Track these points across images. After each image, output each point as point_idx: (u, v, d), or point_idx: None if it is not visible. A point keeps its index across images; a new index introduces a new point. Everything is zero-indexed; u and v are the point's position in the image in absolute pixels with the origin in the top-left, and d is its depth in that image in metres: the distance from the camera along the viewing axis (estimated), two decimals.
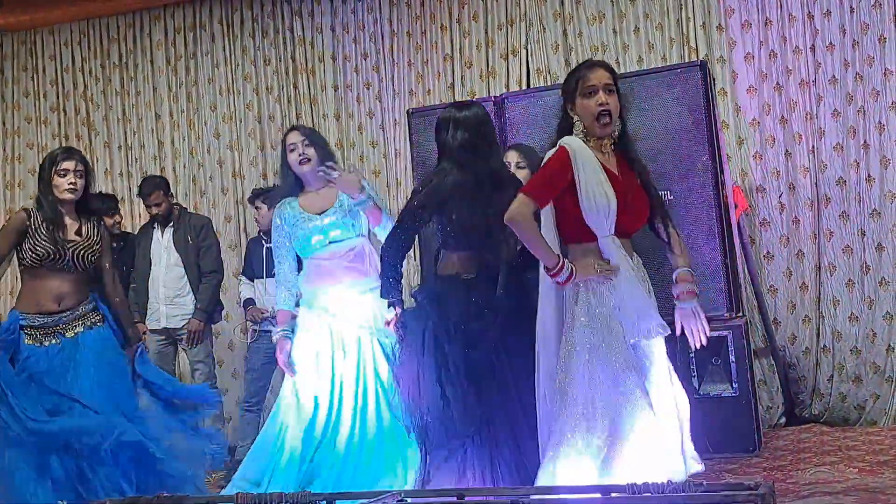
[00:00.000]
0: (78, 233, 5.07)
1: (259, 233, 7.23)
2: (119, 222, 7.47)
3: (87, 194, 5.16)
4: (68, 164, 5.07)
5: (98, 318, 5.05)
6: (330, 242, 5.00)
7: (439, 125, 4.46)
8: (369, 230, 5.10)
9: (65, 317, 5.00)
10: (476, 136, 4.37)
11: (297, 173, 5.11)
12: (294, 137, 5.10)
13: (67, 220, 5.08)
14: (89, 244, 5.05)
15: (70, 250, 4.99)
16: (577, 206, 3.86)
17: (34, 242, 4.96)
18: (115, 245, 6.67)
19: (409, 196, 4.55)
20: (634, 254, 4.02)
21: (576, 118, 3.97)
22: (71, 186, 5.05)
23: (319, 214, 5.02)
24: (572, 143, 3.91)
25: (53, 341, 4.95)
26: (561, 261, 3.83)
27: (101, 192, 8.02)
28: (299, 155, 5.05)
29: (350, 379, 4.91)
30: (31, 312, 4.96)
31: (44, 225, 5.00)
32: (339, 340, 4.96)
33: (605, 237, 3.86)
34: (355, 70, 8.43)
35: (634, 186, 3.97)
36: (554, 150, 3.96)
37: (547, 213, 4.00)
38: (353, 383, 4.91)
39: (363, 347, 4.95)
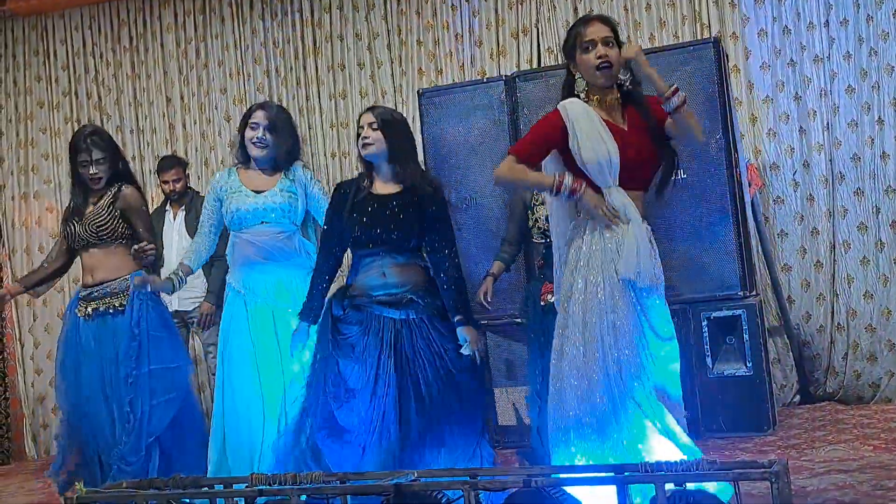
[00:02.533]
0: (95, 203, 5.12)
1: None
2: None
3: (117, 172, 5.18)
4: (85, 157, 5.12)
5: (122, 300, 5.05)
6: (261, 223, 4.95)
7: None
8: (304, 221, 5.07)
9: (96, 291, 5.09)
10: None
11: (248, 152, 5.03)
12: (259, 117, 4.99)
13: (91, 198, 5.15)
14: (96, 215, 5.06)
15: (78, 226, 5.07)
16: (575, 163, 3.89)
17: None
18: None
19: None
20: (644, 220, 3.98)
21: (578, 75, 3.99)
22: (94, 175, 5.11)
23: (256, 193, 4.96)
24: (566, 103, 3.93)
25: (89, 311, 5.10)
26: (557, 176, 3.87)
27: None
28: (258, 137, 4.96)
29: (271, 357, 4.88)
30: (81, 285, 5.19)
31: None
32: (258, 319, 4.90)
33: (609, 188, 3.86)
34: (367, 49, 8.41)
35: (640, 145, 3.95)
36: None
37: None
38: (273, 361, 4.87)
39: (280, 325, 4.88)
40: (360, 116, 4.52)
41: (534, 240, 5.36)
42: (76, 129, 8.82)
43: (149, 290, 4.91)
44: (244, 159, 5.08)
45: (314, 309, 4.51)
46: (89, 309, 5.09)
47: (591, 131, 3.85)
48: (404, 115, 8.05)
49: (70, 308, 5.25)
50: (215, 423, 4.99)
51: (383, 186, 4.45)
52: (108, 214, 5.06)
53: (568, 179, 3.85)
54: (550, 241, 5.04)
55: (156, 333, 5.02)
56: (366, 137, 4.40)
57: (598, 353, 3.77)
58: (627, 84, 4.00)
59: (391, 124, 4.44)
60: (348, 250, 4.56)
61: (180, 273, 5.01)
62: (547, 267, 5.12)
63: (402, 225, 4.34)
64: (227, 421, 4.92)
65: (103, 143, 5.19)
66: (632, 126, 3.96)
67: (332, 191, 4.66)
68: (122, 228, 5.08)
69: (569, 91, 4.02)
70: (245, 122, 5.05)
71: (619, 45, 3.96)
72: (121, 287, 5.05)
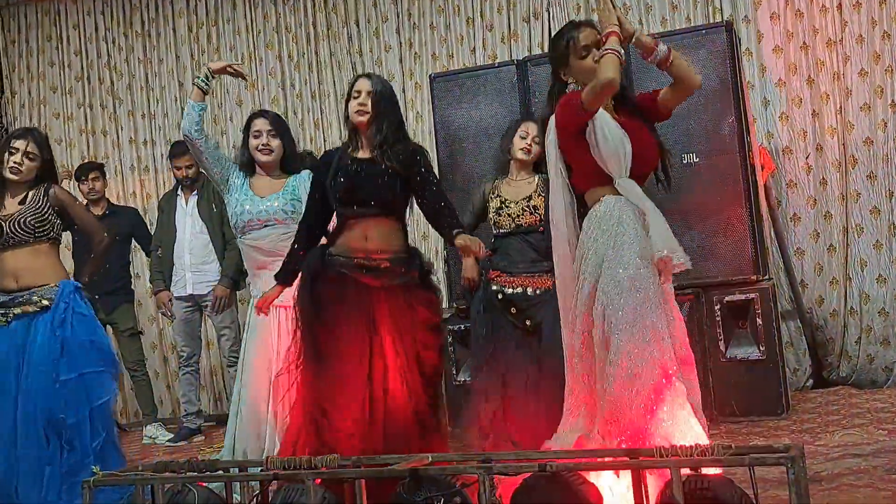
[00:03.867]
0: (21, 203, 4.94)
1: None
2: (96, 189, 7.44)
3: (45, 170, 5.04)
4: (18, 144, 4.99)
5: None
6: (265, 227, 4.99)
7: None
8: None
9: (20, 297, 4.91)
10: None
11: (255, 160, 5.07)
12: (260, 125, 5.06)
13: (8, 198, 4.97)
14: (26, 211, 4.90)
15: (8, 222, 4.89)
16: (588, 153, 3.89)
17: None
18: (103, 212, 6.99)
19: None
20: None
21: (571, 81, 4.03)
22: (14, 166, 4.95)
23: (262, 198, 5.00)
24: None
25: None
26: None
27: (87, 160, 8.09)
28: (263, 144, 5.02)
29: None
30: None
31: None
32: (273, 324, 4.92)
33: (621, 178, 3.87)
34: (376, 34, 8.40)
35: (643, 137, 3.97)
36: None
37: (557, 175, 4.05)
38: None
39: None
40: (357, 81, 4.51)
41: (494, 230, 5.42)
42: (88, 113, 8.91)
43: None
44: (250, 168, 5.11)
45: (289, 273, 4.52)
46: (10, 315, 4.91)
47: (609, 121, 3.88)
48: (417, 99, 8.15)
49: None
50: (233, 410, 5.04)
51: (367, 151, 4.45)
52: (44, 211, 4.92)
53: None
54: (503, 231, 5.29)
55: (84, 339, 4.89)
56: (363, 104, 4.40)
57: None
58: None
59: (385, 94, 4.45)
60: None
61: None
62: (500, 256, 5.31)
63: (383, 187, 4.35)
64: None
65: (42, 141, 5.09)
66: (628, 124, 3.98)
67: (319, 158, 4.76)
68: (56, 224, 4.98)
69: (559, 98, 4.05)
70: (247, 132, 5.11)
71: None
72: (48, 295, 4.89)
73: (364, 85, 4.44)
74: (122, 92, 9.05)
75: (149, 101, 8.99)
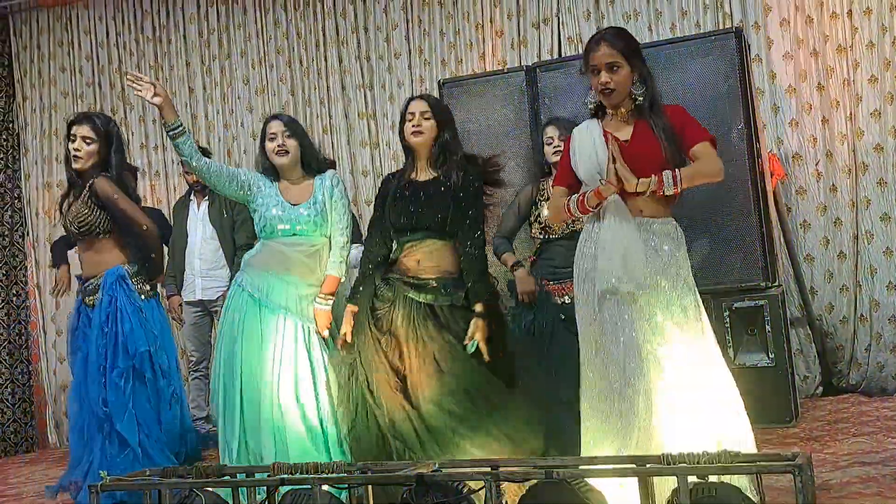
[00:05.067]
0: (77, 198, 5.12)
1: None
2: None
3: (104, 157, 5.17)
4: (75, 130, 5.12)
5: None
6: (293, 234, 4.98)
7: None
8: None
9: (89, 285, 5.17)
10: None
11: (274, 163, 5.08)
12: (275, 127, 5.06)
13: (73, 192, 5.17)
14: (75, 211, 5.07)
15: (66, 220, 5.12)
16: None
17: None
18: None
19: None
20: (654, 218, 4.04)
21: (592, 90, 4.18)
22: (75, 153, 5.10)
23: (294, 205, 4.99)
24: (578, 129, 4.20)
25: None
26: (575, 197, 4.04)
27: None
28: (278, 145, 5.02)
29: (288, 363, 4.90)
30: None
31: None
32: (271, 324, 4.93)
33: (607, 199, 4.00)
34: (386, 40, 8.41)
35: (648, 153, 3.99)
36: None
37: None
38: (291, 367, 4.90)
39: (297, 333, 4.93)
40: (410, 103, 4.69)
41: (532, 235, 5.42)
42: None
43: None
44: (274, 174, 5.12)
45: (359, 293, 4.70)
46: (88, 300, 5.20)
47: (586, 148, 4.06)
48: None
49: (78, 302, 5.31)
50: (228, 416, 4.96)
51: (424, 173, 4.67)
52: (88, 210, 5.05)
53: (574, 200, 4.05)
54: (550, 237, 5.31)
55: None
56: (417, 126, 4.57)
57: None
58: (639, 98, 4.07)
59: (441, 114, 4.65)
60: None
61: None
62: (542, 262, 5.31)
63: (436, 209, 4.52)
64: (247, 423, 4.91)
65: (100, 123, 5.21)
66: (637, 139, 4.03)
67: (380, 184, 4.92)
68: (101, 222, 5.09)
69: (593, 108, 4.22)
70: (263, 136, 5.13)
71: (631, 58, 4.05)
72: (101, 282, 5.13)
73: (418, 106, 4.63)
74: (132, 97, 9.07)
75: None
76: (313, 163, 5.12)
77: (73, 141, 5.09)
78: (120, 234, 5.15)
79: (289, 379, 4.84)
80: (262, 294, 4.94)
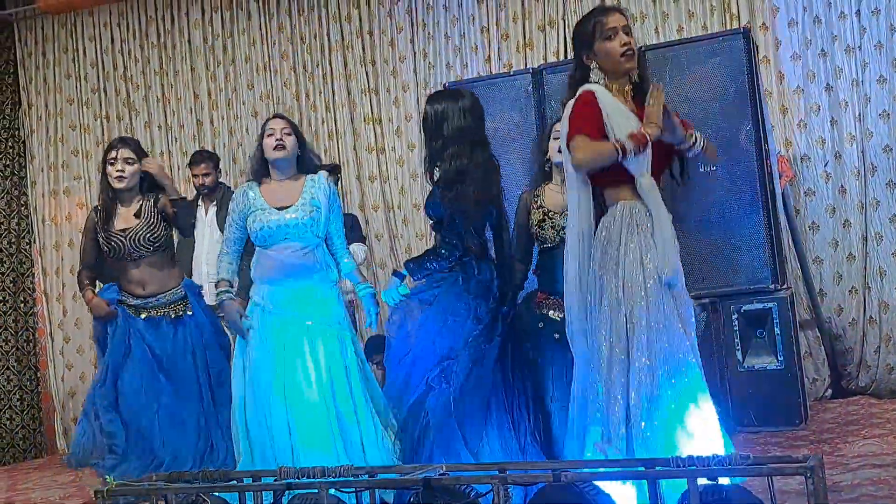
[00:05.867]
0: (136, 215, 5.35)
1: None
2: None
3: (146, 174, 5.42)
4: (114, 154, 5.34)
5: (183, 306, 5.43)
6: (284, 239, 4.96)
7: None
8: (326, 236, 5.11)
9: (150, 301, 5.38)
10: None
11: (269, 158, 5.05)
12: (275, 124, 5.07)
13: (121, 209, 5.36)
14: (143, 226, 5.30)
15: (127, 239, 5.30)
16: None
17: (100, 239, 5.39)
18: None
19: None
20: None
21: (594, 65, 3.96)
22: (119, 174, 5.32)
23: (280, 210, 4.96)
24: (594, 87, 3.92)
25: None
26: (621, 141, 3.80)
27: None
28: (276, 140, 5.00)
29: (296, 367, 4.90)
30: (124, 292, 5.42)
31: (100, 220, 5.39)
32: (278, 331, 4.92)
33: (643, 176, 3.83)
34: (391, 44, 8.40)
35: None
36: (574, 99, 3.95)
37: (572, 182, 4.01)
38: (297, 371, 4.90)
39: (310, 339, 4.92)
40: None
41: (537, 245, 5.09)
42: (105, 125, 8.96)
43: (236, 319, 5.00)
44: (264, 171, 5.11)
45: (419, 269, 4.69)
46: (142, 315, 5.38)
47: (624, 116, 3.84)
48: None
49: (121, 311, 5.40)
50: (239, 419, 4.98)
51: None
52: (156, 224, 5.33)
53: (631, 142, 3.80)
54: (543, 246, 4.95)
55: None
56: None
57: (632, 351, 3.75)
58: (635, 76, 3.99)
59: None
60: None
61: (228, 289, 5.08)
62: (545, 274, 4.96)
63: None
64: (256, 427, 4.92)
65: (132, 143, 5.45)
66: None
67: None
68: (169, 234, 5.42)
69: (581, 83, 3.98)
70: (262, 133, 5.12)
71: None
72: (174, 297, 5.43)
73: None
74: (138, 103, 9.08)
75: (165, 112, 9.02)
76: (308, 163, 5.12)
77: (115, 164, 5.33)
78: (174, 249, 5.55)
79: (313, 380, 4.86)
80: (267, 302, 4.95)
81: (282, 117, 5.16)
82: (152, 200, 5.38)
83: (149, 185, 5.42)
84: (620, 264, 3.82)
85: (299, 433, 4.75)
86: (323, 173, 5.13)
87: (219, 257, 5.16)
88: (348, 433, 4.78)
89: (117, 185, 5.33)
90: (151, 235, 5.30)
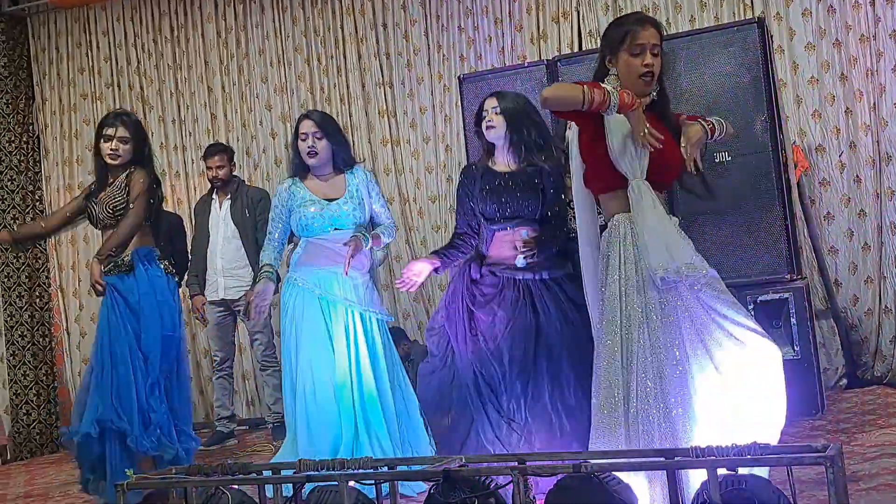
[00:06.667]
0: (108, 186, 5.35)
1: None
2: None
3: (137, 151, 5.39)
4: (110, 131, 5.33)
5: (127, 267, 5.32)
6: (334, 229, 5.13)
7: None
8: (372, 214, 5.29)
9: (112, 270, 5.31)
10: None
11: (305, 162, 5.21)
12: (307, 127, 5.17)
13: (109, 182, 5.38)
14: (110, 195, 5.29)
15: (97, 207, 5.32)
16: (607, 153, 3.82)
17: None
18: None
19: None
20: (671, 215, 3.94)
21: (613, 71, 3.90)
22: (112, 152, 5.32)
23: (328, 201, 5.14)
24: (606, 87, 3.82)
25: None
26: (598, 91, 3.68)
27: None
28: (309, 147, 5.14)
29: (344, 352, 5.07)
30: None
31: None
32: (332, 316, 5.10)
33: (636, 180, 3.79)
34: (405, 37, 8.40)
35: (668, 148, 3.82)
36: None
37: (577, 173, 4.06)
38: (348, 357, 5.07)
39: (355, 322, 5.11)
40: (485, 101, 4.82)
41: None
42: None
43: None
44: (302, 169, 5.24)
45: (441, 252, 4.90)
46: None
47: (623, 122, 3.78)
48: (446, 101, 8.13)
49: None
50: (298, 409, 5.10)
51: (504, 165, 4.77)
52: (122, 195, 5.27)
53: (611, 91, 3.67)
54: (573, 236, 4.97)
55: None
56: (490, 121, 4.71)
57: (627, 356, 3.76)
58: (654, 94, 3.94)
59: (512, 110, 4.72)
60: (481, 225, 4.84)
61: (269, 272, 5.20)
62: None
63: (525, 199, 4.65)
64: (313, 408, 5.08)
65: (131, 123, 5.40)
66: (654, 128, 3.82)
67: (460, 173, 5.01)
68: (132, 209, 5.28)
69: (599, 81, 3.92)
70: (295, 133, 5.25)
71: (663, 53, 3.91)
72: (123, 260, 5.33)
73: (490, 103, 4.77)
74: (151, 98, 9.10)
75: (179, 106, 9.03)
76: (343, 161, 5.26)
77: (109, 140, 5.31)
78: (150, 225, 5.40)
79: (368, 368, 5.07)
80: (321, 289, 5.10)
81: (312, 118, 5.23)
82: (127, 174, 5.32)
83: (136, 158, 5.38)
84: (620, 286, 3.81)
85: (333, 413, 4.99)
86: (359, 166, 5.33)
87: (263, 249, 5.31)
88: (375, 413, 5.03)
89: (109, 161, 5.34)
90: (116, 205, 5.27)
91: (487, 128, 4.73)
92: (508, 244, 4.68)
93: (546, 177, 4.67)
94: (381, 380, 5.11)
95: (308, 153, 5.15)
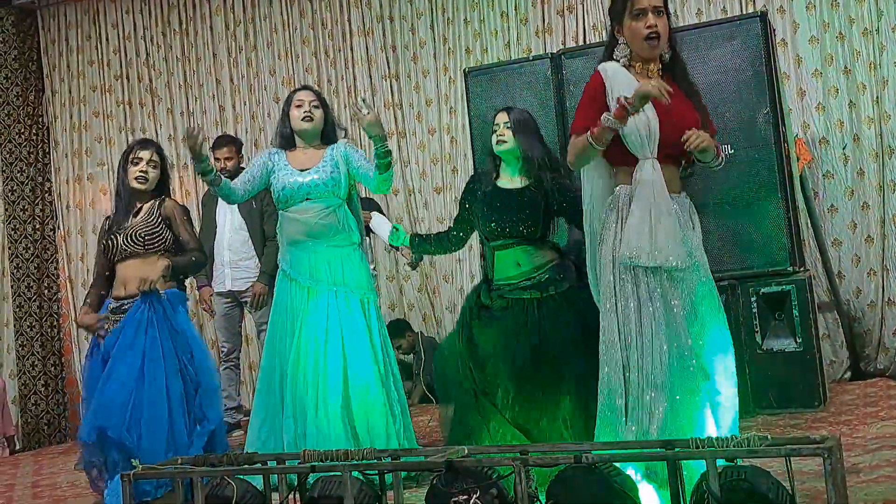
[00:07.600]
0: (135, 215, 5.18)
1: None
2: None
3: (163, 180, 5.29)
4: (143, 154, 5.20)
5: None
6: (306, 199, 5.09)
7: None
8: (349, 196, 5.23)
9: (125, 304, 5.11)
10: None
11: (295, 129, 5.21)
12: (304, 95, 5.22)
13: (131, 211, 5.21)
14: (140, 223, 5.12)
15: (119, 237, 5.11)
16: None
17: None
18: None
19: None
20: (684, 193, 3.97)
21: (621, 40, 3.91)
22: (141, 175, 5.17)
23: (302, 171, 5.11)
24: (607, 66, 3.89)
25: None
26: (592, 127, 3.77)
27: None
28: (305, 112, 5.16)
29: (319, 335, 5.01)
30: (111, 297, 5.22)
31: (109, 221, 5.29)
32: (307, 298, 5.06)
33: (646, 160, 3.79)
34: (411, 30, 8.43)
35: (682, 110, 3.86)
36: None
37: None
38: (320, 339, 5.01)
39: (331, 303, 5.05)
40: (496, 115, 4.84)
41: None
42: (128, 112, 9.01)
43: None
44: (289, 140, 5.25)
45: (427, 240, 5.21)
46: (116, 325, 5.11)
47: (626, 90, 3.75)
48: (451, 94, 8.16)
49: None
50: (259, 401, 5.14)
51: (510, 181, 4.79)
52: (157, 223, 5.13)
53: (607, 115, 3.73)
54: None
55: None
56: (501, 136, 4.75)
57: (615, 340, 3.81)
58: (667, 56, 3.96)
59: (523, 125, 4.76)
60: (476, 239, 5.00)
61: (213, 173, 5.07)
62: None
63: (528, 218, 4.66)
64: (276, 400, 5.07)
65: (158, 150, 5.31)
66: (674, 96, 3.78)
67: (468, 181, 5.08)
68: (167, 237, 5.15)
69: (609, 55, 3.96)
70: (289, 103, 5.25)
71: (668, 14, 3.90)
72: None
73: (502, 118, 4.79)
74: (160, 90, 9.14)
75: (187, 98, 9.08)
76: (332, 134, 5.27)
77: (138, 164, 5.18)
78: (174, 253, 5.21)
79: (341, 349, 4.99)
80: (292, 269, 5.11)
81: (310, 89, 5.32)
82: (157, 202, 5.18)
83: (158, 187, 5.27)
84: (605, 251, 3.88)
85: (313, 403, 4.91)
86: (343, 140, 5.28)
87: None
88: (361, 401, 4.95)
89: (136, 185, 5.17)
90: (147, 233, 5.08)
91: (498, 142, 4.77)
92: (512, 264, 4.70)
93: (551, 195, 4.67)
94: (363, 360, 4.99)
95: (303, 118, 5.15)
